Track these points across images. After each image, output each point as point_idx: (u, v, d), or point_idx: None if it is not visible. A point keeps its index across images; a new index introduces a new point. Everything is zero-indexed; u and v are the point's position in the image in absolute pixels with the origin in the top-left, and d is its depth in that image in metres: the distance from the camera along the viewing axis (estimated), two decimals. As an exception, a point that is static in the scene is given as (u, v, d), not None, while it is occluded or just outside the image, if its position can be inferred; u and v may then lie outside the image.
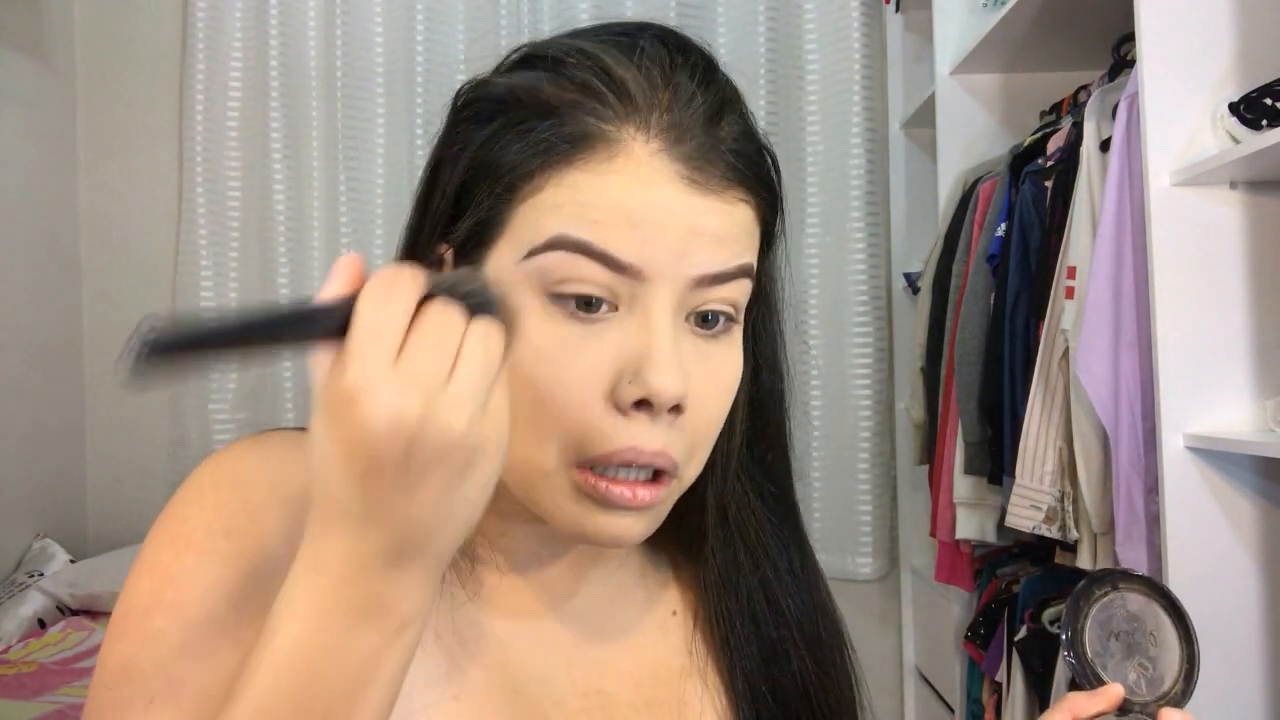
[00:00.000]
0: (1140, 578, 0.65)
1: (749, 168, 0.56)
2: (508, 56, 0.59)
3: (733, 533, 0.65)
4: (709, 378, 0.56)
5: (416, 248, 0.60)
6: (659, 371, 0.52)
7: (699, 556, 0.66)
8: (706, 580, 0.65)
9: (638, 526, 0.55)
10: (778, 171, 0.60)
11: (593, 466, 0.53)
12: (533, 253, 0.53)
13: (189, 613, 0.51)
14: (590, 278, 0.52)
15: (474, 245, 0.56)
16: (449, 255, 0.58)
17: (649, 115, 0.54)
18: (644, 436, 0.53)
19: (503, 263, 0.54)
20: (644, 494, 0.53)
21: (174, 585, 0.52)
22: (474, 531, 0.57)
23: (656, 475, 0.54)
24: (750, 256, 0.57)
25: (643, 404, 0.52)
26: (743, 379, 0.60)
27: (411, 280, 0.43)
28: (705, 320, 0.55)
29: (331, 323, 0.43)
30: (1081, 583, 0.65)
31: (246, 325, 0.42)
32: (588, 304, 0.53)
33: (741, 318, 0.58)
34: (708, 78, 0.57)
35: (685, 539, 0.66)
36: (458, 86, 0.60)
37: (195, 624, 0.51)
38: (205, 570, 0.52)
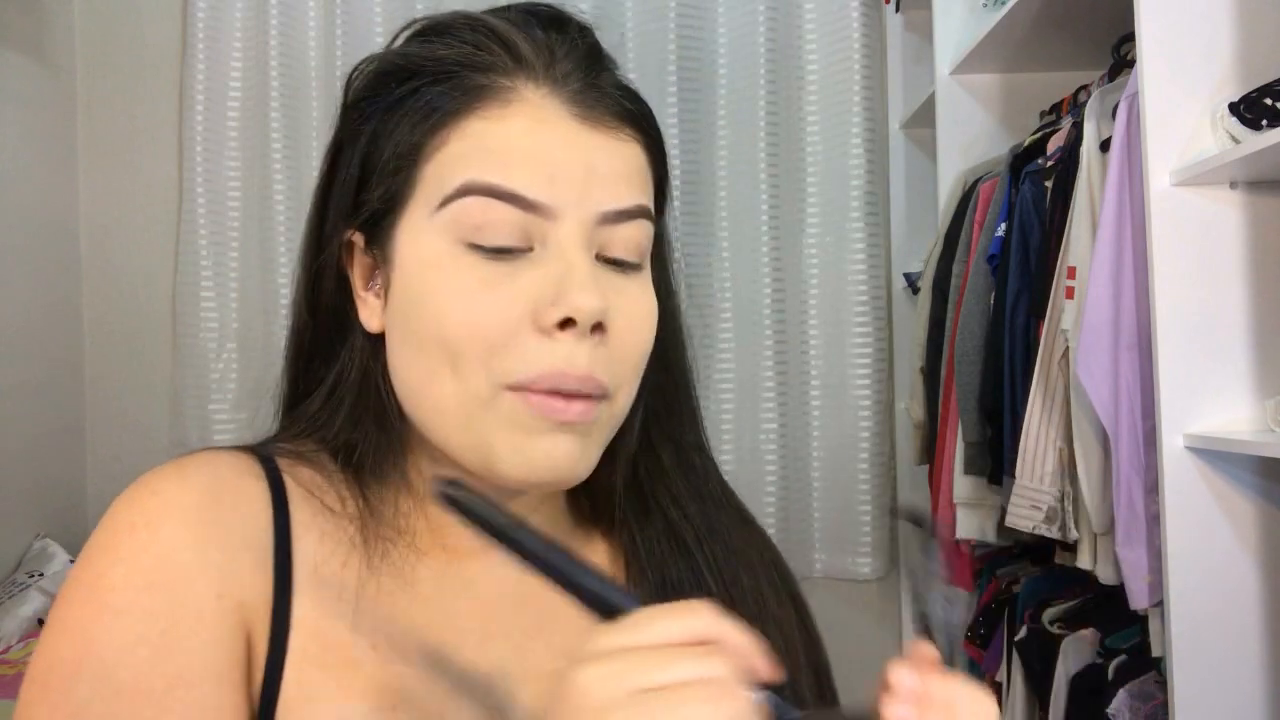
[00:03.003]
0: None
1: (633, 105, 0.60)
2: (397, 33, 0.62)
3: (643, 490, 0.66)
4: (628, 305, 0.58)
5: (320, 238, 0.61)
6: (579, 289, 0.54)
7: (612, 520, 0.66)
8: (622, 537, 0.66)
9: (576, 449, 0.56)
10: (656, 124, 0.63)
11: (524, 389, 0.54)
12: (445, 202, 0.55)
13: (113, 680, 0.50)
14: (502, 219, 0.54)
15: (384, 215, 0.58)
16: (358, 239, 0.59)
17: (535, 65, 0.57)
18: (570, 357, 0.54)
19: (416, 222, 0.56)
20: (576, 405, 0.55)
21: (94, 650, 0.50)
22: (420, 524, 0.60)
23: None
24: (646, 199, 0.59)
25: (566, 324, 0.54)
26: None
27: (713, 629, 0.44)
28: (615, 264, 0.58)
29: (606, 603, 0.45)
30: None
31: (537, 548, 0.46)
32: (503, 252, 0.55)
33: (647, 265, 0.60)
34: (583, 39, 0.61)
35: (598, 506, 0.67)
36: None
37: (119, 691, 0.50)
38: (124, 629, 0.51)
